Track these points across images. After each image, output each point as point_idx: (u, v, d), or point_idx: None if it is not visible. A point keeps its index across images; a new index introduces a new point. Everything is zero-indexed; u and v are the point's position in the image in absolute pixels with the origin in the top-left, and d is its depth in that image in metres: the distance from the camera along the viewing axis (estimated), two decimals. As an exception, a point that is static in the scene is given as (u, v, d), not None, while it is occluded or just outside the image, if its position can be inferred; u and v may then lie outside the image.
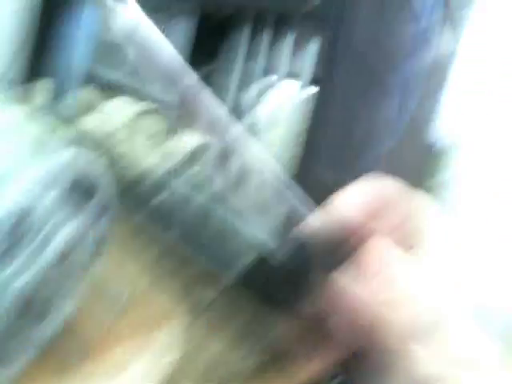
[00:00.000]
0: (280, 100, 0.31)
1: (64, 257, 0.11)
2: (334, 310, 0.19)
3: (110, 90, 0.49)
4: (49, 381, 0.11)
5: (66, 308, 0.12)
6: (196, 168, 0.36)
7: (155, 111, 0.41)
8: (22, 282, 0.10)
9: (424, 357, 0.20)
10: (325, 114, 0.26)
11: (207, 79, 0.44)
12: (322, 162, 0.27)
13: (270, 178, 0.27)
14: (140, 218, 0.36)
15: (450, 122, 0.43)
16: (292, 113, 0.29)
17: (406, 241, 0.24)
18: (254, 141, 0.31)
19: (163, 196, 0.35)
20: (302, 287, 0.20)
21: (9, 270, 0.10)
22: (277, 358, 0.23)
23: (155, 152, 0.39)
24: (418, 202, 0.25)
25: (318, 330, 0.25)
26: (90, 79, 0.51)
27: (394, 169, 0.41)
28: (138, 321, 0.15)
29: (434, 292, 0.21)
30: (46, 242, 0.10)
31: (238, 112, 0.34)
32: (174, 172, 0.36)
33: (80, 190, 0.12)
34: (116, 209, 0.13)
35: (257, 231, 0.28)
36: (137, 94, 0.44)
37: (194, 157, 0.37)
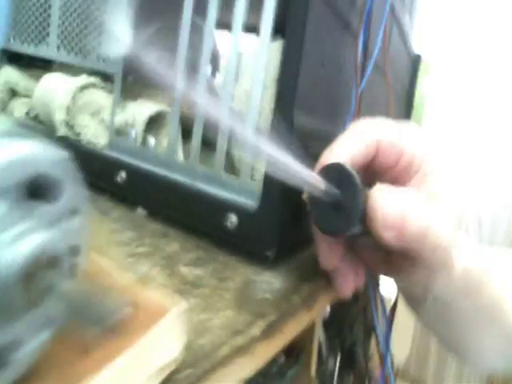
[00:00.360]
0: (242, 53, 0.28)
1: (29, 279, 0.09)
2: (382, 226, 0.20)
3: (36, 67, 0.44)
4: None
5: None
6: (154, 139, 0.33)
7: (94, 85, 0.37)
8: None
9: (466, 251, 0.25)
10: (294, 63, 0.24)
11: (157, 38, 0.40)
12: (296, 111, 0.25)
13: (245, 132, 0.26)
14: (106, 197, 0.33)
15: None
16: (256, 65, 0.26)
17: (405, 176, 0.24)
18: (217, 97, 0.29)
19: (123, 174, 0.32)
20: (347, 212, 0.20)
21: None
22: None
23: (105, 128, 0.35)
24: (408, 134, 0.25)
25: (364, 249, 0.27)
26: (10, 58, 0.45)
27: (371, 108, 0.41)
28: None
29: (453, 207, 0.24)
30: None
31: (192, 70, 0.31)
32: (134, 146, 0.33)
33: (41, 193, 0.09)
34: (88, 209, 0.11)
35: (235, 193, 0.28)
36: (68, 69, 0.39)
37: (150, 127, 0.34)
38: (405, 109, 0.65)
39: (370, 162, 0.24)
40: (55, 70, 0.41)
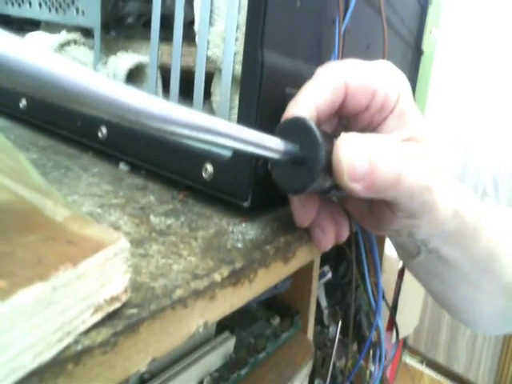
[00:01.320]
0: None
1: None
2: (349, 179, 0.19)
3: (22, 29, 0.43)
4: None
5: None
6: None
7: (75, 41, 0.35)
8: None
9: (455, 195, 0.24)
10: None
11: None
12: (267, 50, 0.23)
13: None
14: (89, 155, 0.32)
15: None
16: (229, 5, 0.25)
17: (380, 118, 0.23)
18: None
19: (104, 129, 0.31)
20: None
21: None
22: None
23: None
24: (380, 72, 0.23)
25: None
26: (3, 23, 0.44)
27: (363, 50, 0.38)
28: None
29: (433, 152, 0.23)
30: None
31: (170, 22, 0.29)
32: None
33: None
34: None
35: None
36: (54, 29, 0.37)
37: (132, 79, 0.33)
38: (412, 58, 0.61)
39: (340, 108, 0.22)
40: (42, 30, 0.40)
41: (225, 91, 0.26)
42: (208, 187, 0.26)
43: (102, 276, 0.13)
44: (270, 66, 0.24)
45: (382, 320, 0.83)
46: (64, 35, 0.35)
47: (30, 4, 0.39)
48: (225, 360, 0.34)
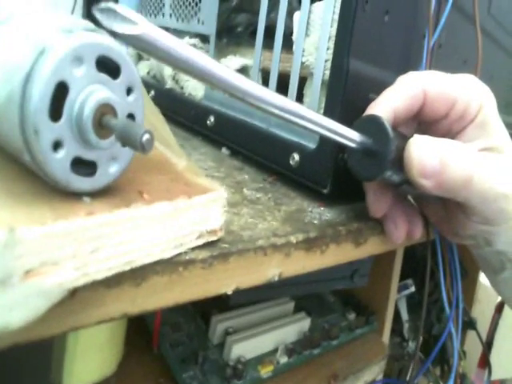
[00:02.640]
0: (312, 9, 0.30)
1: (98, 123, 0.13)
2: (419, 174, 0.21)
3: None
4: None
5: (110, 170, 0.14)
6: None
7: (195, 46, 0.42)
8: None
9: None
10: (350, 10, 0.26)
11: (241, 5, 0.44)
12: (353, 59, 0.26)
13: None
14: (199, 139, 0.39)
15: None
16: (323, 18, 0.29)
17: (458, 127, 0.24)
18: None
19: (212, 118, 0.37)
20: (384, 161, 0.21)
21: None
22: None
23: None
24: (462, 83, 0.24)
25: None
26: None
27: (455, 62, 0.39)
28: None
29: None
30: (81, 109, 0.12)
31: (273, 33, 0.34)
32: (223, 96, 0.38)
33: (106, 70, 0.13)
34: (142, 90, 0.15)
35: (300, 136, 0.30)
36: (179, 35, 0.46)
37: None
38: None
39: (418, 114, 0.24)
40: None
41: (314, 93, 0.30)
42: (294, 173, 0.29)
43: (206, 212, 0.17)
44: (355, 73, 0.27)
45: (475, 354, 0.77)
46: (187, 40, 0.43)
47: (163, 15, 0.48)
48: (299, 337, 0.37)
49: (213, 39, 0.40)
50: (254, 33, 0.47)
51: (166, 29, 0.50)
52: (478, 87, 0.25)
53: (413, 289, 0.59)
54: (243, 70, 0.38)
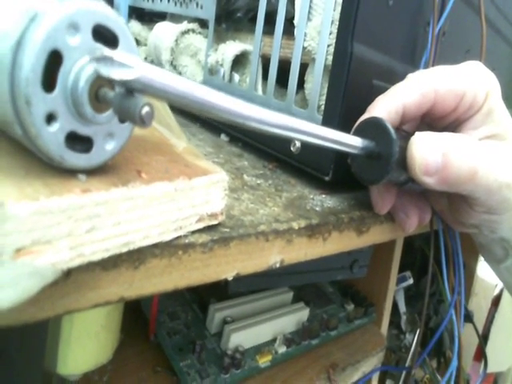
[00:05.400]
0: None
1: (95, 95, 0.12)
2: (422, 172, 0.21)
3: (152, 21, 0.51)
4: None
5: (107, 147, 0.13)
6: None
7: (194, 30, 0.41)
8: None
9: None
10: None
11: None
12: (356, 43, 0.26)
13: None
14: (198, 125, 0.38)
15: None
16: (325, 2, 0.28)
17: (466, 116, 0.24)
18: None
19: None
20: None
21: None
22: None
23: (201, 68, 0.40)
24: (469, 73, 0.24)
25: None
26: (137, 16, 0.53)
27: (458, 51, 0.38)
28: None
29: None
30: (77, 78, 0.12)
31: (273, 18, 0.33)
32: (222, 82, 0.37)
33: (102, 38, 0.13)
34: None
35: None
36: (177, 20, 0.45)
37: (236, 66, 0.38)
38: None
39: (428, 111, 0.24)
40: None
41: (316, 79, 0.29)
42: (295, 160, 0.29)
43: (206, 194, 0.17)
44: (359, 58, 0.26)
45: (471, 347, 0.77)
46: (185, 25, 0.42)
47: (161, 0, 0.47)
48: (297, 327, 0.37)
49: (211, 24, 0.39)
50: (253, 18, 0.46)
51: (163, 14, 0.48)
52: (484, 75, 0.24)
53: (411, 281, 0.58)
54: (243, 56, 0.37)
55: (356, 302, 0.44)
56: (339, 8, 0.28)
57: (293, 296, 0.39)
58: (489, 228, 0.25)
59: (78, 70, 0.12)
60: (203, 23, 0.42)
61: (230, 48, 0.37)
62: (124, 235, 0.13)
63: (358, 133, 0.22)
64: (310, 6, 0.31)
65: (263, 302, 0.36)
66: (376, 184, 0.22)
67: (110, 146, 0.14)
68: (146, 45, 0.50)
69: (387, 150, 0.21)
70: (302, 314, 0.37)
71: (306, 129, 0.18)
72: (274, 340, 0.35)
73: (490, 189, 0.21)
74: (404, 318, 0.60)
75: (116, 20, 0.13)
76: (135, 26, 0.52)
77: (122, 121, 0.14)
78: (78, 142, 0.13)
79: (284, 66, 0.33)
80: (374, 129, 0.22)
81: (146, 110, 0.11)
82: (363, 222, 0.25)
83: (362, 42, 0.26)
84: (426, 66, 0.31)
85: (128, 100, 0.11)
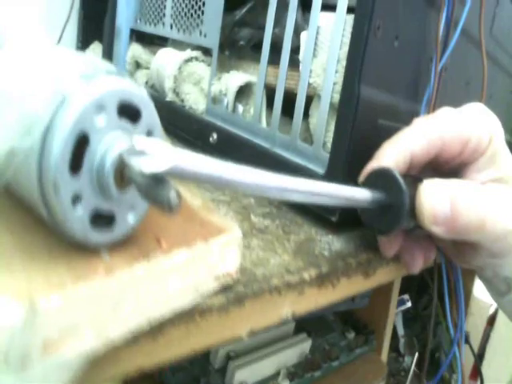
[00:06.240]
0: (320, 27, 0.30)
1: (120, 175, 0.12)
2: (431, 222, 0.21)
3: (155, 45, 0.51)
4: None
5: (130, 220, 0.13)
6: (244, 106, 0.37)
7: (197, 58, 0.41)
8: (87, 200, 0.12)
9: None
10: (361, 37, 0.25)
11: (245, 19, 0.43)
12: (364, 85, 0.26)
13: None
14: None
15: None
16: (332, 40, 0.28)
17: (471, 160, 0.24)
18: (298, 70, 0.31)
19: (215, 135, 0.36)
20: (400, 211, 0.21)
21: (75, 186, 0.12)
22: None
23: (204, 96, 0.40)
24: (474, 117, 0.24)
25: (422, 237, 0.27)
26: (137, 38, 0.53)
27: (460, 85, 0.39)
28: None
29: None
30: (102, 162, 0.12)
31: (277, 47, 0.34)
32: (226, 112, 0.37)
33: (126, 115, 0.13)
34: (162, 132, 0.14)
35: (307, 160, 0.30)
36: (179, 45, 0.45)
37: (240, 96, 0.38)
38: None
39: (434, 156, 0.24)
40: (169, 46, 0.47)
41: (322, 116, 0.30)
42: (301, 199, 0.29)
43: (222, 255, 0.17)
44: (366, 99, 0.26)
45: (467, 366, 0.78)
46: (189, 53, 0.42)
47: (164, 25, 0.47)
48: (300, 359, 0.37)
49: (215, 53, 0.39)
50: (255, 46, 0.46)
51: (164, 38, 0.48)
52: (488, 119, 0.25)
53: (409, 304, 0.59)
54: (247, 86, 0.37)
55: (356, 330, 0.44)
56: (345, 47, 0.28)
57: (294, 327, 0.39)
58: (492, 269, 0.25)
59: (104, 150, 0.12)
60: (206, 50, 0.42)
61: (234, 79, 0.37)
62: (145, 309, 0.13)
63: (367, 183, 0.22)
64: (316, 43, 0.31)
65: (265, 334, 0.36)
66: (387, 235, 0.22)
67: (132, 219, 0.14)
68: (147, 68, 0.50)
69: (398, 202, 0.21)
70: (304, 345, 0.37)
71: (318, 190, 0.18)
72: (277, 374, 0.35)
73: (496, 237, 0.21)
74: (402, 341, 0.60)
75: (140, 95, 0.13)
76: (136, 48, 0.52)
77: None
78: (100, 218, 0.13)
79: (287, 96, 0.33)
80: (383, 179, 0.22)
81: (174, 198, 0.11)
82: (370, 265, 0.26)
83: (368, 84, 0.27)
84: (429, 102, 0.31)
85: (156, 186, 0.11)
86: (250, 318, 0.18)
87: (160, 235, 0.15)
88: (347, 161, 0.27)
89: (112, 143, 0.12)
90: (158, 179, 0.11)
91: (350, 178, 0.27)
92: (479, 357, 0.79)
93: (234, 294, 0.17)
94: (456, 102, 0.41)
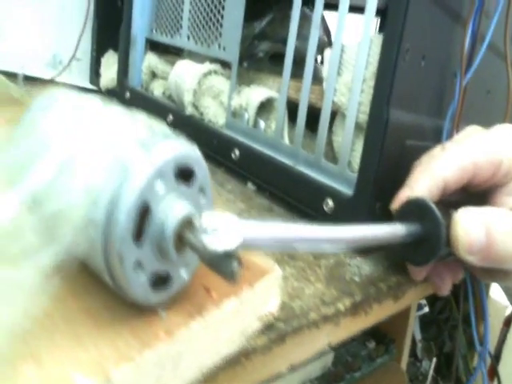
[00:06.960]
0: (345, 46, 0.30)
1: (178, 238, 0.12)
2: (466, 252, 0.21)
3: (171, 54, 0.51)
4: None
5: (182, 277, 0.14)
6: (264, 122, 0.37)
7: (216, 71, 0.41)
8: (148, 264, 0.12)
9: None
10: (390, 60, 0.25)
11: (266, 30, 0.43)
12: (393, 108, 0.26)
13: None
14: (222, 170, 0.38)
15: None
16: (358, 59, 0.28)
17: (503, 182, 0.24)
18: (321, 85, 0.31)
19: (237, 151, 0.37)
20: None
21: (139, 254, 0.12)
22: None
23: (223, 110, 0.40)
24: (505, 139, 0.24)
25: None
26: (151, 46, 0.53)
27: (485, 99, 0.38)
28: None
29: None
30: (162, 229, 0.12)
31: (296, 60, 0.33)
32: (247, 127, 0.38)
33: (181, 176, 0.13)
34: (210, 189, 0.14)
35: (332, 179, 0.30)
36: (195, 56, 0.45)
37: (262, 111, 0.38)
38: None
39: (466, 182, 0.24)
40: (185, 57, 0.47)
41: (347, 136, 0.29)
42: (328, 219, 0.29)
43: (265, 295, 0.17)
44: (394, 122, 0.26)
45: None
46: (207, 66, 0.42)
47: (180, 36, 0.47)
48: (323, 371, 0.37)
49: (235, 67, 0.39)
50: (273, 57, 0.46)
51: (182, 49, 0.48)
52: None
53: (427, 309, 0.59)
54: (268, 101, 0.37)
55: (377, 339, 0.45)
56: (371, 67, 0.28)
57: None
58: None
59: (164, 217, 0.12)
60: (225, 63, 0.42)
61: (255, 94, 0.37)
62: (200, 361, 0.14)
63: (400, 212, 0.23)
64: (340, 62, 0.31)
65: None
66: (424, 266, 0.22)
67: (186, 275, 0.14)
68: (163, 78, 0.50)
69: (434, 234, 0.21)
70: (327, 358, 0.38)
71: (351, 236, 0.18)
72: (301, 387, 0.35)
73: None
74: (420, 345, 0.60)
75: (195, 157, 0.13)
76: (152, 58, 0.52)
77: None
78: (158, 279, 0.13)
79: (308, 111, 0.33)
80: (417, 209, 0.22)
81: (236, 269, 0.11)
82: (400, 288, 0.26)
83: (396, 107, 0.27)
84: (453, 117, 0.31)
85: (220, 258, 0.11)
86: (290, 354, 0.18)
87: (208, 284, 0.15)
88: (375, 182, 0.27)
89: (170, 208, 0.12)
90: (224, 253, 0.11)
91: (378, 200, 0.27)
92: (496, 357, 0.79)
93: (275, 331, 0.18)
94: (477, 111, 0.40)
